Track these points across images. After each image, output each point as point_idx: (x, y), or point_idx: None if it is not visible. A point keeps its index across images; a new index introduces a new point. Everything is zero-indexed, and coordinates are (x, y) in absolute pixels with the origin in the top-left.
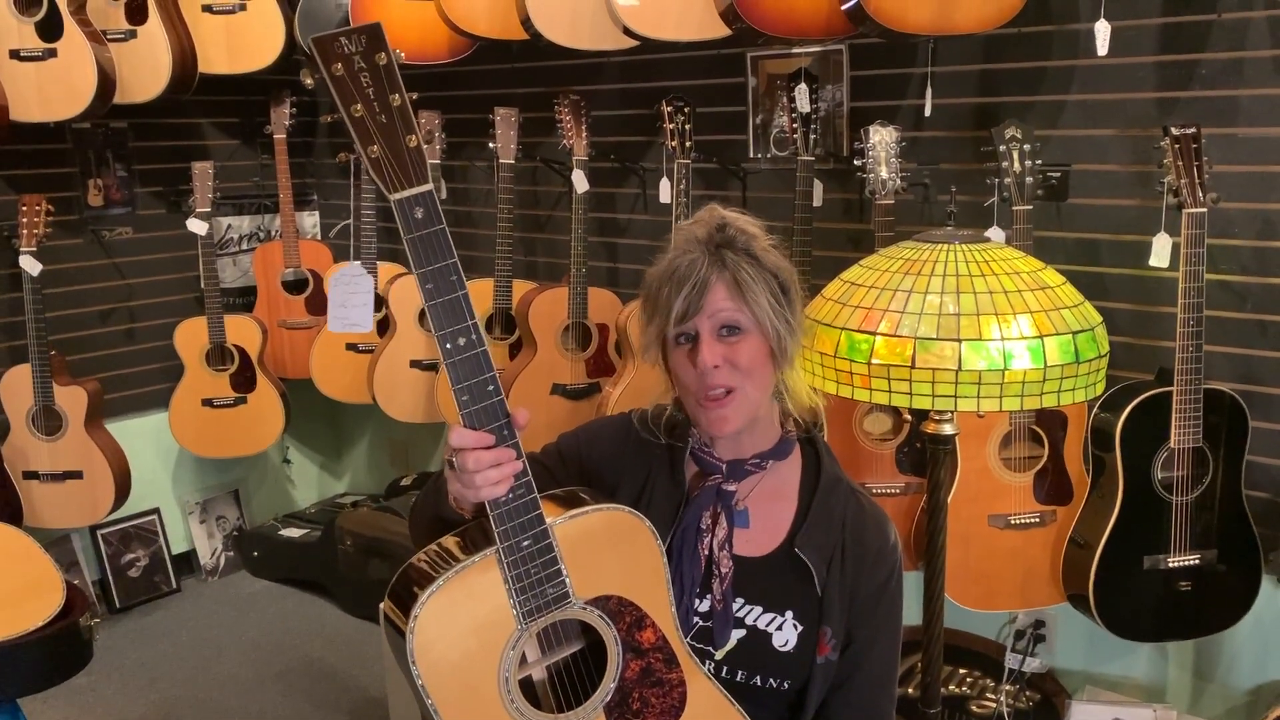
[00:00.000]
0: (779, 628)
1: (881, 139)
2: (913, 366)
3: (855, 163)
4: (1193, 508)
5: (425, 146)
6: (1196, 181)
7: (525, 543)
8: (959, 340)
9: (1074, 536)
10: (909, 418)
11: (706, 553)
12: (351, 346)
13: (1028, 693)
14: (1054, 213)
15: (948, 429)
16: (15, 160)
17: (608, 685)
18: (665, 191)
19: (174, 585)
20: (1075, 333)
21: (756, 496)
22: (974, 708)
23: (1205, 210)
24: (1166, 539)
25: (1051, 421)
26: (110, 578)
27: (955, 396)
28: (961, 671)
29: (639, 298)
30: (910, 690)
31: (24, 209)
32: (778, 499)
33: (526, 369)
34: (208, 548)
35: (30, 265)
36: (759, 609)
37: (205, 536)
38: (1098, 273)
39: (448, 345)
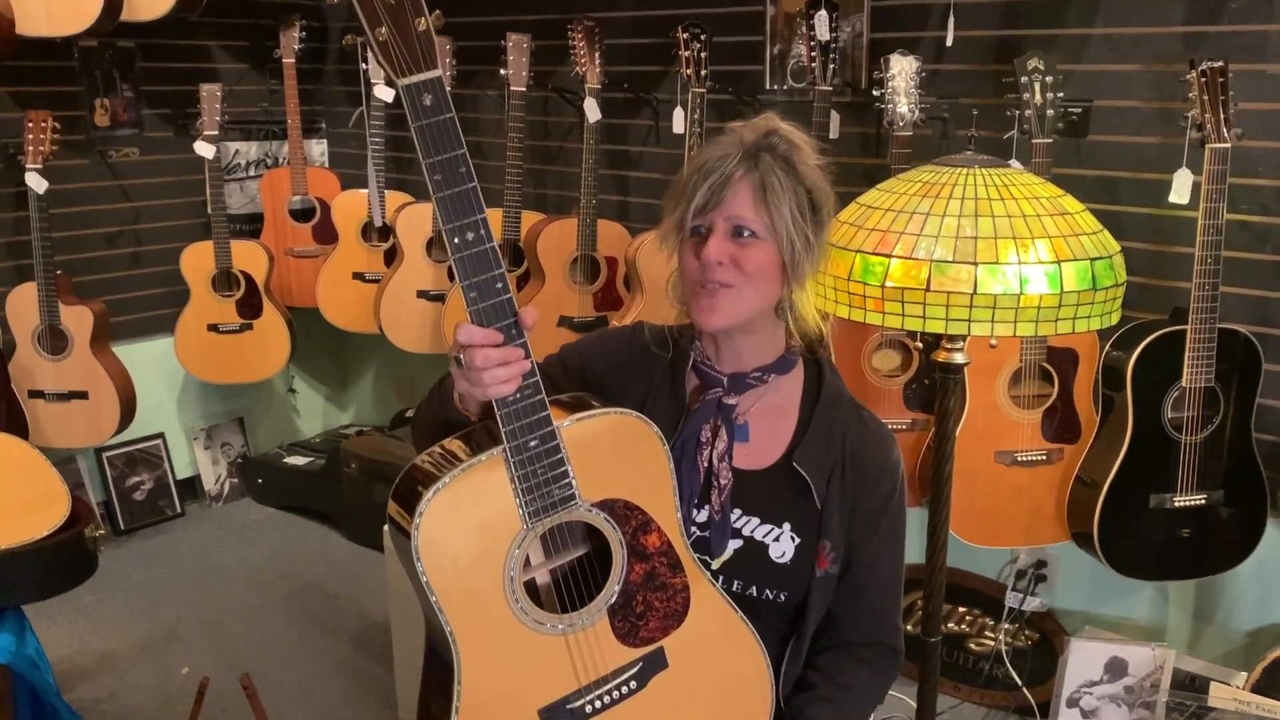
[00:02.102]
0: (776, 539)
1: (902, 69)
2: (927, 289)
3: (874, 93)
4: (1201, 448)
5: (435, 33)
6: (1222, 117)
7: (532, 443)
8: (975, 264)
9: (1081, 475)
10: (919, 346)
11: (706, 464)
12: (358, 275)
13: (1027, 631)
14: (1074, 149)
15: (959, 358)
16: (21, 76)
17: (612, 588)
18: (679, 122)
19: (178, 509)
20: (1093, 259)
21: (758, 412)
22: (973, 645)
23: (1229, 146)
24: (1174, 478)
25: (1062, 359)
26: (115, 500)
27: (969, 320)
28: (961, 610)
29: (652, 229)
30: (910, 627)
31: (30, 125)
32: (779, 414)
33: (533, 301)
34: (212, 474)
35: (36, 183)
36: (756, 520)
37: (210, 463)
38: (1116, 211)
39: (455, 240)
